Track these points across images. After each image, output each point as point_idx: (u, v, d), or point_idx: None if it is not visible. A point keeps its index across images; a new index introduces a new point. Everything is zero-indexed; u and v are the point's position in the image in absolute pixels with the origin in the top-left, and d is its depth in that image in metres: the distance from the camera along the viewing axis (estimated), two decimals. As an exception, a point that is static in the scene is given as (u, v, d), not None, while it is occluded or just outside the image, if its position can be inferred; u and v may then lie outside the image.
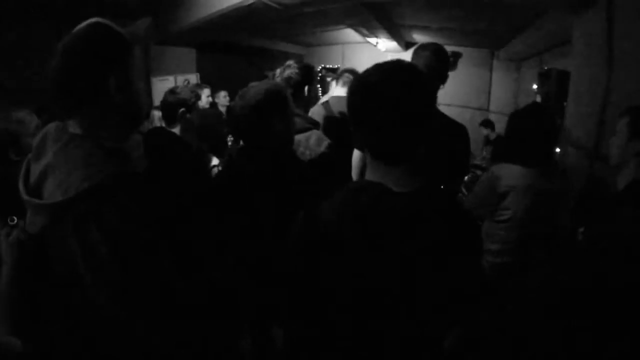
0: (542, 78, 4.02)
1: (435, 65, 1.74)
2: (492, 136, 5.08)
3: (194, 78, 4.87)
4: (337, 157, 1.85)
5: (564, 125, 2.69)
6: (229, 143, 3.07)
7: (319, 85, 7.17)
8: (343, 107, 2.50)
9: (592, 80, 2.51)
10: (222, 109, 4.43)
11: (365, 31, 5.16)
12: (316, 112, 2.42)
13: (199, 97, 2.23)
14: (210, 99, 3.70)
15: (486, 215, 1.77)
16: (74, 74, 0.85)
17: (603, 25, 2.32)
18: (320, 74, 7.30)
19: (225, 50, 5.53)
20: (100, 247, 0.77)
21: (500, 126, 5.33)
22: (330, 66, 7.23)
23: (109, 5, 3.31)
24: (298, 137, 1.83)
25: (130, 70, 0.91)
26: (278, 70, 1.93)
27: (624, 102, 2.19)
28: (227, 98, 4.45)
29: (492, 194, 1.68)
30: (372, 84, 0.80)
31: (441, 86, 1.78)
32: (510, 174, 1.65)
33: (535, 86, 4.10)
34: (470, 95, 6.15)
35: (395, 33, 5.43)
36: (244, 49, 5.77)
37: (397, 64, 0.84)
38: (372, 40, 5.62)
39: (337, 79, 2.73)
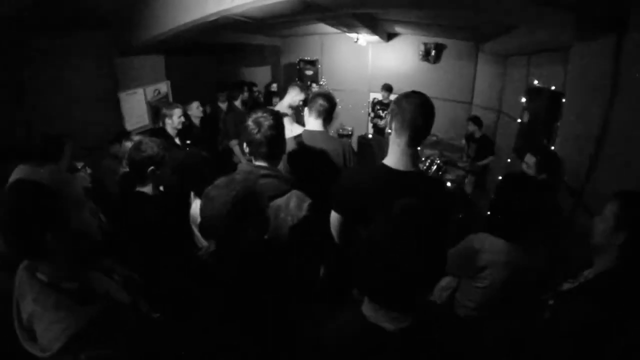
0: (532, 94, 3.79)
1: (420, 123, 1.53)
2: (478, 134, 4.97)
3: (164, 87, 4.56)
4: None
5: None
6: None
7: (297, 78, 6.91)
8: (315, 143, 2.34)
9: (587, 118, 2.40)
10: (196, 121, 4.21)
11: (344, 28, 4.90)
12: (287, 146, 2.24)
13: (166, 149, 2.02)
14: (182, 119, 3.46)
15: (463, 276, 1.79)
16: (12, 234, 0.94)
17: (608, 61, 2.19)
18: (298, 67, 7.00)
19: (196, 50, 5.12)
20: None
21: (484, 121, 5.22)
22: (309, 58, 6.92)
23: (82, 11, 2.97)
24: (277, 202, 1.70)
25: (65, 214, 0.98)
26: (251, 123, 1.74)
27: (621, 141, 2.10)
28: (200, 109, 4.21)
29: (471, 265, 1.67)
30: (381, 248, 0.88)
31: None
32: (490, 248, 1.63)
33: (523, 99, 3.92)
34: (454, 89, 5.96)
35: (376, 28, 5.18)
36: (217, 46, 5.38)
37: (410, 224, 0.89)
38: (353, 35, 5.36)
39: (310, 107, 2.43)
